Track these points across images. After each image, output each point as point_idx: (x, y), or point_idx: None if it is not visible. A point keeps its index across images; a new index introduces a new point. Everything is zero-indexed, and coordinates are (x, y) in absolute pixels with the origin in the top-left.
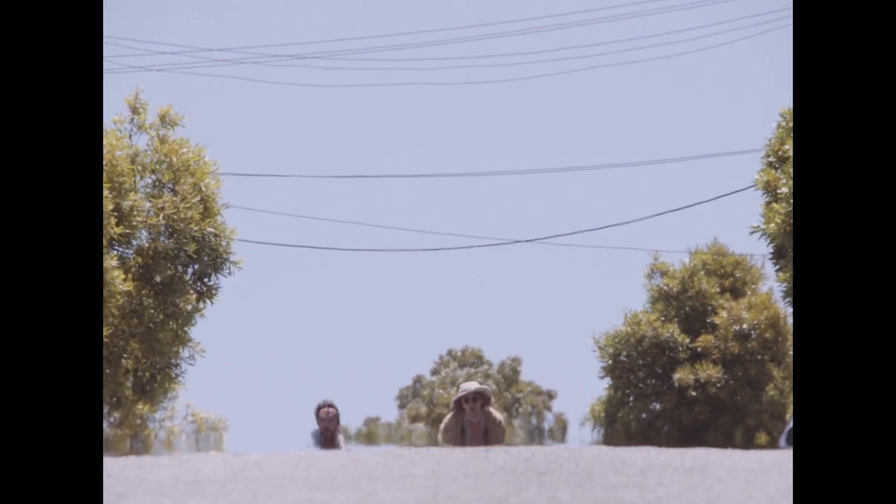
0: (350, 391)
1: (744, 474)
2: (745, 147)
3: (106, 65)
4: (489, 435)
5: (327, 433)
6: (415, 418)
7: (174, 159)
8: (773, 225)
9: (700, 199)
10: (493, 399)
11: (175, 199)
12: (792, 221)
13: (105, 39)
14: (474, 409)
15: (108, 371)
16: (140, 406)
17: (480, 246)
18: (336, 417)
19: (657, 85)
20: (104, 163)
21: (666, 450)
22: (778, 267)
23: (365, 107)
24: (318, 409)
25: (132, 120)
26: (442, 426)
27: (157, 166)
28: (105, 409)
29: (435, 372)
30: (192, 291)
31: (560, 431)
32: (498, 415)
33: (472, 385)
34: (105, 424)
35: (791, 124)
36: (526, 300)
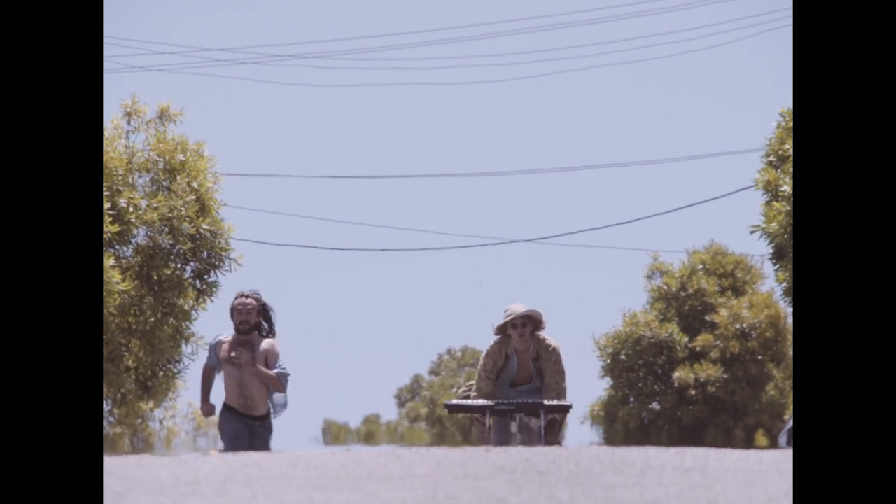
0: (349, 389)
1: (744, 474)
2: (745, 147)
3: (106, 65)
4: (541, 361)
5: (245, 326)
6: (415, 419)
7: (168, 158)
8: (774, 224)
9: (700, 199)
10: (545, 323)
11: (170, 197)
12: (792, 221)
13: (105, 39)
14: (523, 335)
15: (108, 366)
16: (143, 404)
17: (480, 246)
18: (256, 310)
19: (657, 85)
20: None
21: (665, 450)
22: (778, 267)
23: (365, 107)
24: (234, 300)
25: (128, 122)
26: (483, 353)
27: (153, 165)
28: (108, 407)
29: (433, 372)
30: (191, 289)
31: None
32: (553, 341)
33: (520, 307)
34: (105, 423)
35: (791, 124)
36: (526, 300)
